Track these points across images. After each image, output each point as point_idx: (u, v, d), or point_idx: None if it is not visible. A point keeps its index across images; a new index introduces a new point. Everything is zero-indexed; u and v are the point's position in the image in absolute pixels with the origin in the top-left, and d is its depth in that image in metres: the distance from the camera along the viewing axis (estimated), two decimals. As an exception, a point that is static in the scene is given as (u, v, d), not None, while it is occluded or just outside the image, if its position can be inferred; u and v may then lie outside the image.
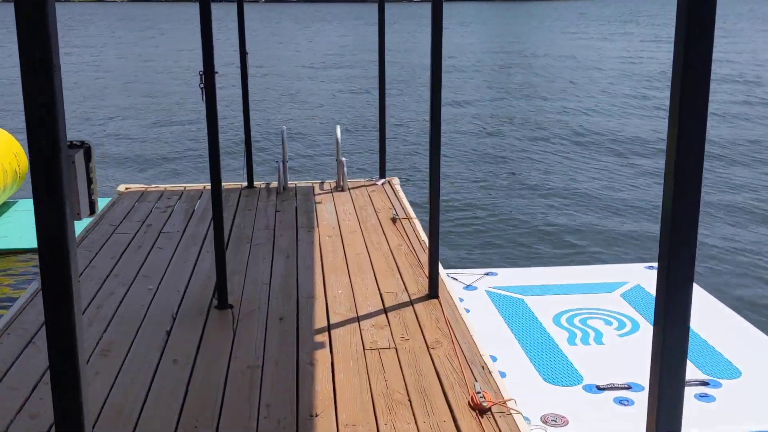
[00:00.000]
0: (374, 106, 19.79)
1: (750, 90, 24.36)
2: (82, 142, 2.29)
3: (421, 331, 4.85)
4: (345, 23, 65.96)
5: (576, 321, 5.82)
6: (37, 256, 2.55)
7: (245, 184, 8.53)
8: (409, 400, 4.03)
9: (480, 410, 3.88)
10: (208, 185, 5.18)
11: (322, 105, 23.13)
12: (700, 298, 6.11)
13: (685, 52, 1.91)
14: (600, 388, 4.88)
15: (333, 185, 8.53)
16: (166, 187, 8.65)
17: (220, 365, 4.47)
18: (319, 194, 8.21)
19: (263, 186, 8.57)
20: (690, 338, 5.51)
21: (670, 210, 2.05)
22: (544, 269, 7.26)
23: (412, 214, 7.41)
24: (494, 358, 5.14)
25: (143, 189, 8.57)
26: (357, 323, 4.99)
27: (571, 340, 5.52)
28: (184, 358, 4.57)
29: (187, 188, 8.59)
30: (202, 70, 5.04)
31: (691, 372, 4.94)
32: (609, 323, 5.78)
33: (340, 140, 8.65)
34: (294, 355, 4.58)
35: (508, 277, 6.74)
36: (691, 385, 4.82)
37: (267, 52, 39.03)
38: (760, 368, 5.14)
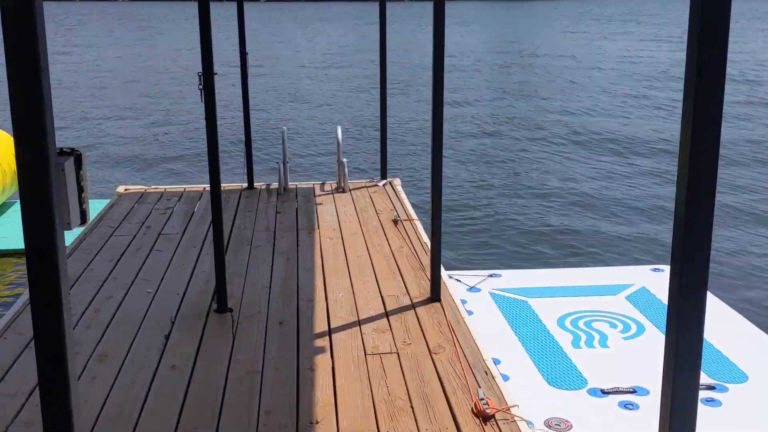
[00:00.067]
0: (375, 107, 19.74)
1: (751, 90, 24.29)
2: (73, 149, 2.22)
3: (423, 336, 4.78)
4: (345, 23, 65.91)
5: (580, 323, 5.76)
6: None
7: (245, 185, 8.47)
8: (411, 407, 3.96)
9: (483, 417, 3.82)
10: (209, 186, 5.11)
11: (322, 105, 23.07)
12: (707, 301, 6.04)
13: (698, 55, 1.85)
14: (604, 392, 4.82)
15: (334, 186, 8.47)
16: (165, 188, 8.59)
17: (219, 370, 4.41)
18: (320, 195, 8.15)
19: (263, 187, 8.51)
20: None
21: (683, 214, 1.99)
22: (548, 271, 7.19)
23: (414, 215, 7.34)
24: (497, 361, 5.07)
25: (143, 190, 8.51)
26: (358, 327, 4.92)
27: (576, 343, 5.46)
28: (183, 362, 4.51)
29: (186, 189, 8.53)
30: (200, 71, 4.98)
31: None
32: (614, 326, 5.72)
33: (341, 141, 8.59)
34: (294, 359, 4.51)
35: (512, 278, 6.68)
36: None
37: (267, 51, 38.97)
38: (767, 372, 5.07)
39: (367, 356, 4.52)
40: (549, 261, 9.51)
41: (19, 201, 1.84)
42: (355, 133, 18.33)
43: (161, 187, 8.66)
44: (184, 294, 5.55)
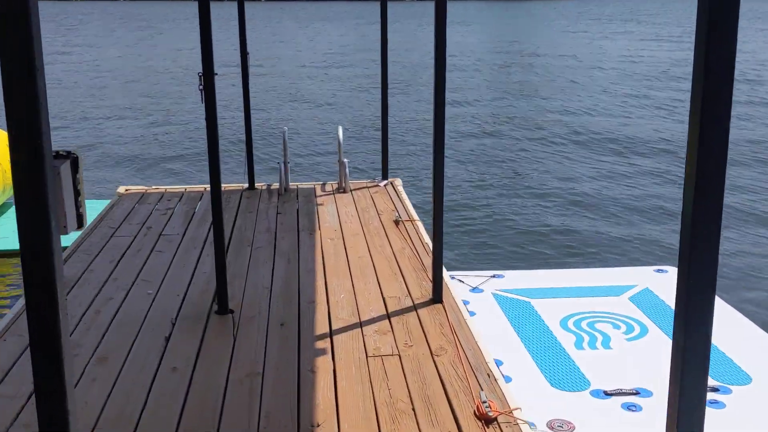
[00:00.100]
0: (376, 106, 19.72)
1: (751, 90, 24.24)
2: (69, 152, 2.18)
3: (425, 337, 4.75)
4: (346, 22, 65.87)
5: (583, 324, 5.73)
6: None
7: (246, 185, 8.44)
8: (413, 409, 3.93)
9: (486, 420, 3.79)
10: (209, 187, 5.09)
11: (323, 105, 23.04)
12: None
13: (706, 55, 1.82)
14: (607, 394, 4.79)
15: (335, 186, 8.44)
16: (166, 189, 8.56)
17: (219, 372, 4.38)
18: (321, 196, 8.12)
19: (264, 187, 8.48)
20: None
21: (691, 214, 1.96)
22: (551, 272, 7.16)
23: (415, 216, 7.31)
24: (500, 362, 5.05)
25: (143, 190, 8.48)
26: (359, 329, 4.90)
27: (579, 344, 5.43)
28: (184, 364, 4.48)
29: (187, 190, 8.50)
30: (201, 71, 4.95)
31: None
32: (617, 327, 5.69)
33: (341, 141, 8.56)
34: (295, 361, 4.48)
35: (515, 279, 6.65)
36: None
37: (268, 51, 38.95)
38: (771, 374, 5.04)
39: (369, 358, 4.49)
40: (552, 262, 9.48)
41: None
42: (356, 133, 18.31)
43: (162, 188, 8.64)
44: (185, 295, 5.52)
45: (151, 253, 6.43)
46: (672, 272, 6.77)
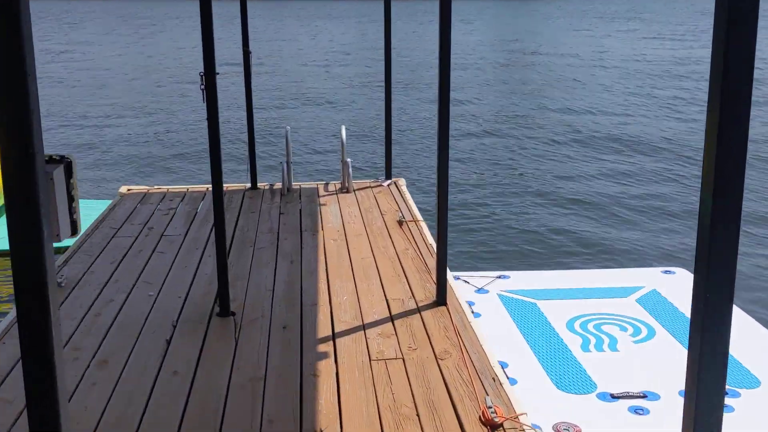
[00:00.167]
0: (379, 106, 19.64)
1: (753, 89, 24.11)
2: (63, 157, 2.11)
3: (429, 341, 4.69)
4: (349, 20, 65.82)
5: (590, 326, 5.66)
6: None
7: (248, 185, 8.38)
8: (417, 414, 3.86)
9: (491, 426, 3.72)
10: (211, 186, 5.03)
11: (326, 104, 22.98)
12: None
13: (725, 55, 1.76)
14: (614, 397, 4.73)
15: (338, 186, 8.38)
16: (168, 189, 8.50)
17: (221, 376, 4.32)
18: (324, 196, 8.06)
19: (267, 187, 8.42)
20: None
21: (709, 216, 1.90)
22: (557, 272, 7.10)
23: (419, 216, 7.25)
24: (505, 364, 4.99)
25: (145, 190, 8.43)
26: (363, 332, 4.83)
27: (585, 347, 5.36)
28: (185, 368, 4.42)
29: (190, 190, 8.45)
30: (202, 71, 4.89)
31: None
32: (624, 329, 5.62)
33: (345, 140, 8.50)
34: (297, 365, 4.42)
35: (521, 280, 6.58)
36: None
37: (270, 50, 38.90)
38: (781, 377, 4.97)
39: (372, 362, 4.42)
40: (558, 262, 9.41)
41: None
42: (359, 132, 18.24)
43: (164, 188, 8.58)
44: (186, 297, 5.46)
45: (152, 254, 6.37)
46: (680, 273, 6.70)
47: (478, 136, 17.85)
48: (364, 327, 4.90)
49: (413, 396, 4.04)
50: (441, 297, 5.23)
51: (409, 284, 5.60)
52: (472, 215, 11.52)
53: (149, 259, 6.25)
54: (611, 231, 10.78)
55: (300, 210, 7.56)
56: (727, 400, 4.67)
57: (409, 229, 6.86)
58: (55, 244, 3.83)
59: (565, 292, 6.28)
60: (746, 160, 1.87)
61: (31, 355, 1.79)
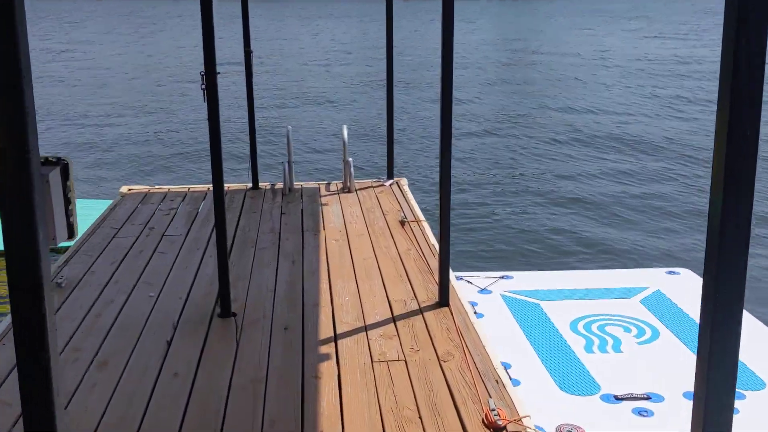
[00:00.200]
0: (381, 105, 19.61)
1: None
2: (59, 158, 2.07)
3: (432, 342, 4.65)
4: (350, 20, 65.76)
5: (594, 327, 5.62)
6: None
7: (250, 184, 8.35)
8: (420, 417, 3.83)
9: (495, 429, 3.69)
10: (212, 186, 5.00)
11: (328, 104, 22.95)
12: None
13: (734, 53, 1.72)
14: (618, 398, 4.70)
15: (340, 186, 8.34)
16: (169, 189, 8.47)
17: (222, 378, 4.29)
18: (326, 195, 8.02)
19: (268, 187, 8.39)
20: None
21: (719, 217, 1.86)
22: (561, 273, 7.06)
23: (421, 216, 7.21)
24: (508, 365, 4.96)
25: (146, 190, 8.40)
26: (364, 333, 4.80)
27: (589, 348, 5.33)
28: (185, 369, 4.39)
29: (191, 189, 8.42)
30: (203, 71, 4.86)
31: None
32: (628, 330, 5.58)
33: (346, 140, 8.46)
34: (299, 366, 4.39)
35: (524, 280, 6.54)
36: None
37: (272, 49, 38.86)
38: (786, 379, 4.93)
39: (374, 363, 4.39)
40: (562, 263, 9.36)
41: None
42: (361, 131, 18.20)
43: (165, 188, 8.55)
44: (187, 298, 5.43)
45: (153, 254, 6.34)
46: (684, 274, 6.66)
47: (480, 136, 17.81)
48: (366, 328, 4.87)
49: (416, 398, 4.00)
50: (443, 298, 5.20)
51: (411, 285, 5.57)
52: (475, 215, 11.48)
53: (150, 259, 6.22)
54: (615, 231, 10.74)
55: (301, 210, 7.53)
56: (732, 402, 4.64)
57: (411, 229, 6.83)
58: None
59: (569, 293, 6.24)
60: (757, 160, 1.83)
61: (26, 361, 1.76)
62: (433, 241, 6.43)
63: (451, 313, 5.05)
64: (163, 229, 6.99)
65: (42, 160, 2.02)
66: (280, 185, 8.35)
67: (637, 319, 5.75)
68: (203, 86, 4.87)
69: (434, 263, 5.87)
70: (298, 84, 26.95)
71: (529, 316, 5.83)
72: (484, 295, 6.20)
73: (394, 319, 4.99)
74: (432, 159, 15.14)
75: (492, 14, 74.42)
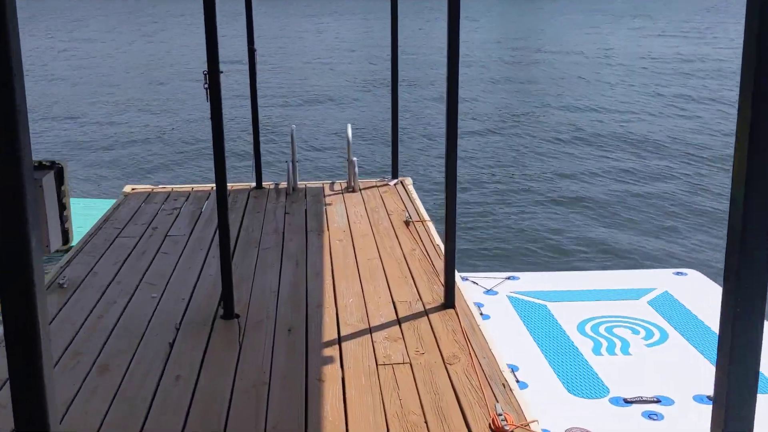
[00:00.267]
0: (385, 104, 19.54)
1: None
2: (53, 162, 1.99)
3: (437, 345, 4.58)
4: (355, 18, 65.67)
5: (601, 329, 5.55)
6: None
7: (254, 184, 8.29)
8: (425, 422, 3.76)
9: (502, 433, 3.62)
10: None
11: (332, 102, 22.88)
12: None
13: (757, 54, 1.65)
14: (627, 401, 4.63)
15: (344, 186, 8.28)
16: (173, 188, 8.42)
17: (225, 381, 4.23)
18: (330, 195, 7.96)
19: (272, 186, 8.33)
20: (716, 346, 5.25)
21: (740, 218, 1.79)
22: (568, 274, 6.99)
23: (426, 216, 7.14)
24: (515, 368, 4.89)
25: (149, 190, 8.35)
26: (369, 335, 4.73)
27: (597, 350, 5.26)
28: (188, 372, 4.33)
29: (194, 189, 8.36)
30: (206, 69, 4.79)
31: None
32: (636, 332, 5.51)
33: (351, 139, 8.39)
34: (303, 369, 4.33)
35: (531, 281, 6.47)
36: None
37: (276, 48, 38.80)
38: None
39: (379, 366, 4.32)
40: (569, 263, 9.29)
41: None
42: (365, 130, 18.13)
43: (168, 187, 8.50)
44: (190, 299, 5.37)
45: (156, 254, 6.29)
46: (692, 275, 6.58)
47: (484, 135, 17.73)
48: (370, 330, 4.80)
49: (421, 402, 3.94)
50: (449, 299, 5.13)
51: (416, 286, 5.50)
52: (480, 215, 11.40)
53: (153, 260, 6.17)
54: (621, 231, 10.66)
55: (305, 210, 7.47)
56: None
57: (416, 230, 6.76)
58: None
59: (576, 294, 6.17)
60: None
61: (18, 372, 1.69)
62: (438, 241, 6.36)
63: (457, 315, 4.99)
64: (167, 229, 6.94)
65: (36, 164, 1.95)
66: (283, 185, 8.29)
67: (645, 321, 5.67)
68: (206, 85, 4.82)
69: (439, 264, 5.80)
70: (302, 83, 26.88)
71: (535, 317, 5.76)
72: (490, 296, 6.13)
73: (399, 321, 4.92)
74: (435, 158, 15.07)
75: (495, 13, 74.30)
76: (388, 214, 7.24)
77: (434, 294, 5.34)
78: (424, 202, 7.70)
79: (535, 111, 20.68)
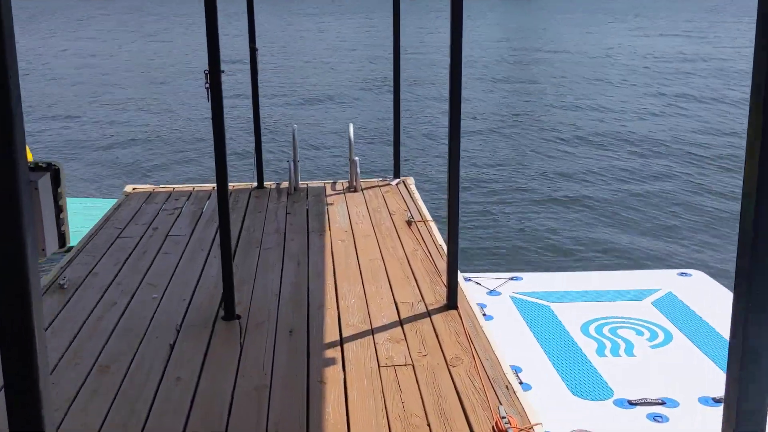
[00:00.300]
0: (387, 103, 19.49)
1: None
2: (49, 164, 1.94)
3: (440, 346, 4.55)
4: (357, 17, 65.63)
5: (605, 330, 5.51)
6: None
7: (255, 184, 8.26)
8: (428, 424, 3.73)
9: (506, 437, 3.59)
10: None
11: (334, 102, 22.84)
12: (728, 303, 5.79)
13: None
14: (632, 403, 4.59)
15: (345, 185, 8.24)
16: (174, 188, 8.39)
17: (226, 383, 4.20)
18: (331, 195, 7.92)
19: (273, 186, 8.29)
20: (721, 348, 5.20)
21: (752, 220, 1.75)
22: (571, 274, 6.94)
23: (428, 216, 7.10)
24: (518, 369, 4.85)
25: (151, 190, 8.31)
26: (371, 336, 4.69)
27: (600, 351, 5.22)
28: (188, 374, 4.30)
29: (195, 189, 8.33)
30: (207, 69, 4.76)
31: (722, 385, 4.64)
32: (640, 333, 5.46)
33: (353, 139, 8.36)
34: (304, 371, 4.29)
35: (534, 282, 6.43)
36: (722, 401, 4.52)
37: (277, 47, 38.77)
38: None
39: (381, 368, 4.29)
40: (572, 264, 9.24)
41: None
42: (367, 130, 18.09)
43: (169, 187, 8.47)
44: (191, 300, 5.34)
45: (157, 255, 6.25)
46: (696, 276, 6.54)
47: (486, 134, 17.68)
48: (372, 331, 4.76)
49: (424, 405, 3.90)
50: (452, 300, 5.09)
51: (418, 287, 5.46)
52: (483, 215, 11.36)
53: (153, 260, 6.13)
54: (625, 232, 10.61)
55: (307, 210, 7.43)
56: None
57: (418, 230, 6.72)
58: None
59: (580, 295, 6.13)
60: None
61: (13, 380, 1.65)
62: (441, 241, 6.32)
63: (460, 316, 4.95)
64: (167, 229, 6.91)
65: (31, 165, 1.91)
66: (285, 184, 8.26)
67: (649, 322, 5.63)
68: (207, 84, 4.79)
69: (442, 264, 5.77)
70: (304, 82, 26.84)
71: (539, 318, 5.72)
72: (493, 297, 6.10)
73: (401, 322, 4.89)
74: (437, 158, 15.03)
75: (497, 12, 74.24)
76: (390, 214, 7.20)
77: (437, 295, 5.30)
78: (426, 202, 7.66)
79: (537, 110, 20.63)
